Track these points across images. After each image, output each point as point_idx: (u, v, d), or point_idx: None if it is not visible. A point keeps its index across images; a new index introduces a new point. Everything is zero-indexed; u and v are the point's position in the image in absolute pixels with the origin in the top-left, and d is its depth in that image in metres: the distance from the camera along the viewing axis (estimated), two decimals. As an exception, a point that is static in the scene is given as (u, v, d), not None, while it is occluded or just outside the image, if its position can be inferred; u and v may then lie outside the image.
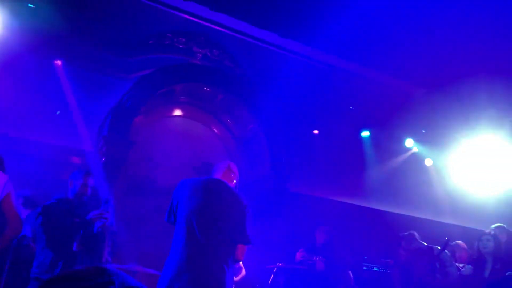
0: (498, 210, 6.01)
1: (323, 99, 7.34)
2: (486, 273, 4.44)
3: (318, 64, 7.24)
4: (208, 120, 7.46)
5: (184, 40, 6.65)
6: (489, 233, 4.65)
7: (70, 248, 3.78)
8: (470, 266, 4.67)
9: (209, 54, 6.80)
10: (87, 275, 0.96)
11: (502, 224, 4.74)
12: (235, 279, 5.82)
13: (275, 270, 5.53)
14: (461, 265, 4.95)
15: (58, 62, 5.90)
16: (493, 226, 4.73)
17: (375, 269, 6.20)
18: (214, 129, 7.56)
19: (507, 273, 4.23)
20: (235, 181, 3.49)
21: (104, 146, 6.24)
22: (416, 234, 5.22)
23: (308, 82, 7.24)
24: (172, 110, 7.31)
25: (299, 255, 5.62)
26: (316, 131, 7.54)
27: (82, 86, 5.84)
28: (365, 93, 7.14)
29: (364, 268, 5.97)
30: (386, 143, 7.49)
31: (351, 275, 5.69)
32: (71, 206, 3.99)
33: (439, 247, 4.69)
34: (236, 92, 7.02)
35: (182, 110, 7.34)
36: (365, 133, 7.59)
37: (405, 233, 5.26)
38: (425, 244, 5.03)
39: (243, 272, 5.98)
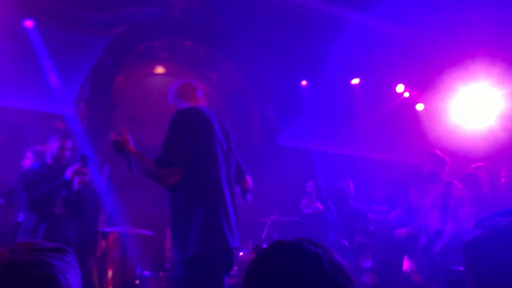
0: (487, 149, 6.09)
1: (312, 48, 7.07)
2: None
3: (304, 11, 6.92)
4: (191, 76, 7.20)
5: (161, -9, 6.32)
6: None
7: (51, 211, 3.73)
8: None
9: (188, 5, 6.46)
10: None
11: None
12: None
13: (268, 223, 5.48)
14: None
15: (29, 22, 5.56)
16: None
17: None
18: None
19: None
20: None
21: (85, 109, 6.04)
22: None
23: (295, 30, 6.94)
24: (153, 67, 7.05)
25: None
26: (304, 82, 7.31)
27: (55, 47, 5.55)
28: (355, 39, 6.85)
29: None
30: (377, 89, 7.29)
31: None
32: (50, 169, 3.93)
33: None
34: (219, 45, 6.73)
35: (163, 67, 7.08)
36: (355, 80, 7.37)
37: None
38: None
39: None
